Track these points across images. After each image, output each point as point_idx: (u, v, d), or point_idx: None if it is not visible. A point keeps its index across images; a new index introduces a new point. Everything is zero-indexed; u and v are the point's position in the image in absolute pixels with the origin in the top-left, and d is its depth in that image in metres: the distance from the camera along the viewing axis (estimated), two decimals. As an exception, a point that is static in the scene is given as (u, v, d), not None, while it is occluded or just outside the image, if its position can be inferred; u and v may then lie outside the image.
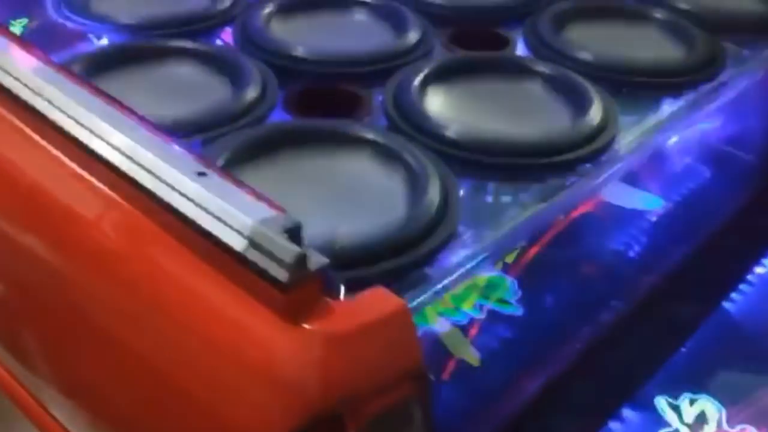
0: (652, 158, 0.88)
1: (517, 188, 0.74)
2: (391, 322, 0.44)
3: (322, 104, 0.82)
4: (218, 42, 0.94)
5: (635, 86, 0.86)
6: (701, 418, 0.85)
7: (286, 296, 0.42)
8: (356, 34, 0.92)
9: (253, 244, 0.43)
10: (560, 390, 0.85)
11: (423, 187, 0.63)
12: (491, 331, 0.90)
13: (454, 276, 0.60)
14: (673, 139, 0.85)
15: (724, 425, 0.84)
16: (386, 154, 0.68)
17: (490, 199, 0.75)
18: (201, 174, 0.48)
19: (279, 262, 0.42)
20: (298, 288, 0.42)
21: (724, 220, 1.03)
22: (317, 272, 0.43)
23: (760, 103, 0.97)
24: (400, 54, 0.88)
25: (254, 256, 0.43)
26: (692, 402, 0.87)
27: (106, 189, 0.50)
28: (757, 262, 1.02)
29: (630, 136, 0.78)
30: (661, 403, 0.87)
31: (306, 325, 0.43)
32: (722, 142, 1.01)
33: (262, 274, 0.43)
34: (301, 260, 0.42)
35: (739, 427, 0.83)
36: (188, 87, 0.80)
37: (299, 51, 0.85)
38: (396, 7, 0.96)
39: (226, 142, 0.69)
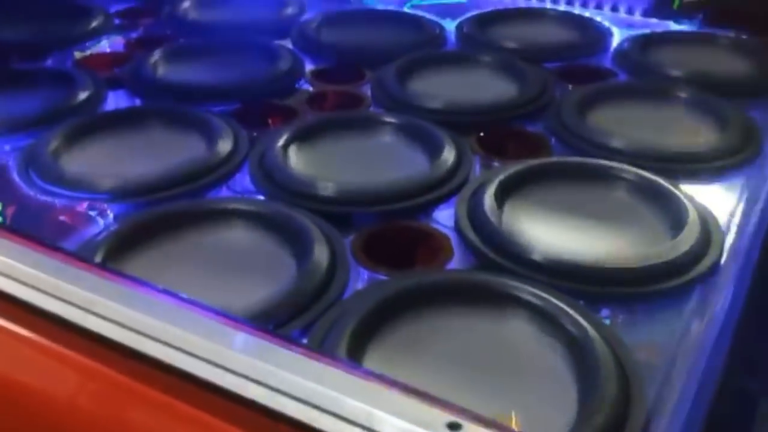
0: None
1: (636, 319, 0.67)
2: None
3: (391, 248, 0.71)
4: (228, 193, 0.82)
5: (692, 173, 0.82)
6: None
7: None
8: (389, 160, 0.83)
9: None
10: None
11: (595, 364, 0.53)
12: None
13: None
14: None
15: None
16: (536, 312, 0.58)
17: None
18: (454, 427, 0.37)
19: None
20: None
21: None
22: None
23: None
24: (447, 175, 0.79)
25: None
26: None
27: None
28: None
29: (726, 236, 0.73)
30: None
31: None
32: None
33: None
34: None
35: None
36: (241, 259, 0.67)
37: (350, 194, 0.74)
38: (417, 123, 0.88)
39: (331, 328, 0.58)
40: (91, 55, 1.16)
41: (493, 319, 0.59)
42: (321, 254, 0.65)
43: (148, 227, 0.69)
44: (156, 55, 1.07)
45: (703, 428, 0.58)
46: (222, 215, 0.71)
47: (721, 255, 0.68)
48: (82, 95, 0.97)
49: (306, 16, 1.27)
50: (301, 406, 0.39)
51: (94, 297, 0.48)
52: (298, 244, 0.67)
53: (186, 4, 1.30)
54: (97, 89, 0.99)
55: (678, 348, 0.59)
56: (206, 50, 1.12)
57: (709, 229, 0.70)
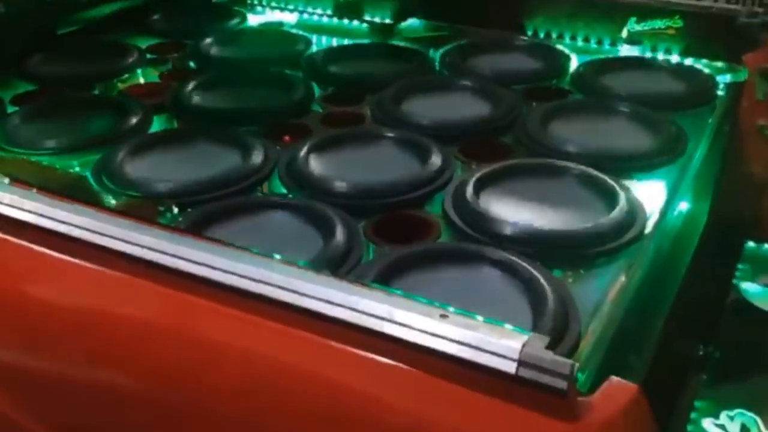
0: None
1: (580, 274, 0.88)
2: (635, 407, 0.56)
3: (394, 230, 0.93)
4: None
5: (639, 168, 1.05)
6: (744, 429, 1.01)
7: (565, 401, 0.53)
8: (389, 165, 1.04)
9: (525, 364, 0.54)
10: None
11: (544, 297, 0.75)
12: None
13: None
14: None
15: (764, 430, 1.00)
16: (502, 266, 0.81)
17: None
18: (443, 316, 0.58)
19: (554, 374, 0.53)
20: (572, 392, 0.53)
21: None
22: (575, 377, 0.54)
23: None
24: (435, 175, 1.01)
25: (528, 374, 0.54)
26: (731, 418, 1.03)
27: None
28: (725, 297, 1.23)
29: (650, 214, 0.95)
30: (709, 425, 1.02)
31: (583, 422, 0.53)
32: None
33: (538, 387, 0.53)
34: (573, 369, 0.53)
35: (776, 429, 1.00)
36: (282, 239, 0.89)
37: (360, 190, 0.96)
38: (410, 136, 1.10)
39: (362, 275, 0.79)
40: (135, 85, 1.38)
41: (471, 273, 0.80)
42: (341, 234, 0.87)
43: (212, 216, 0.90)
44: (190, 86, 1.29)
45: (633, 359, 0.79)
46: (267, 207, 0.93)
47: (643, 228, 0.89)
48: (134, 119, 1.18)
49: (312, 51, 1.49)
50: (352, 312, 0.60)
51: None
52: (324, 228, 0.89)
53: (208, 41, 1.52)
54: (145, 114, 1.20)
55: (607, 292, 0.81)
56: (232, 80, 1.34)
57: (635, 210, 0.91)
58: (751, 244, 1.36)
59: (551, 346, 0.56)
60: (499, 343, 0.55)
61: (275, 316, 0.62)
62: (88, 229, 0.71)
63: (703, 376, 1.09)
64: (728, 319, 1.22)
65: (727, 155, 1.30)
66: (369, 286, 0.63)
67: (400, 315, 0.58)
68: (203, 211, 0.91)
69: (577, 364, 0.54)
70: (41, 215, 0.73)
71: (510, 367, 0.54)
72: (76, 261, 0.72)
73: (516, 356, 0.54)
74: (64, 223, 0.71)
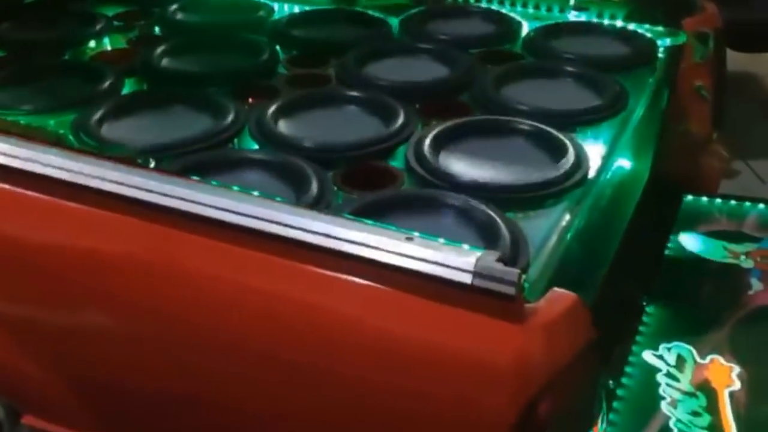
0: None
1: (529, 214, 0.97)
2: (574, 312, 0.65)
3: (361, 180, 1.00)
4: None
5: (583, 123, 1.13)
6: (680, 359, 1.12)
7: (514, 305, 0.61)
8: (355, 121, 1.12)
9: (479, 275, 0.62)
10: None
11: (495, 232, 0.83)
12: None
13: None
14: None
15: (698, 359, 1.11)
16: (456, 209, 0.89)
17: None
18: (409, 239, 0.66)
19: (503, 282, 0.61)
20: (519, 298, 0.62)
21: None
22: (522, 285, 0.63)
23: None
24: (398, 131, 1.08)
25: (481, 283, 0.62)
26: (669, 349, 1.14)
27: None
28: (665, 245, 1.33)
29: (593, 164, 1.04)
30: (648, 356, 1.13)
31: (529, 324, 0.62)
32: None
33: (490, 295, 0.62)
34: (520, 277, 0.61)
35: (708, 358, 1.11)
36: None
37: (329, 144, 1.04)
38: (374, 95, 1.17)
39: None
40: (103, 51, 1.42)
41: (432, 215, 0.88)
42: (312, 182, 0.94)
43: (189, 168, 0.96)
44: (159, 50, 1.33)
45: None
46: (241, 159, 1.00)
47: (587, 174, 0.98)
48: (107, 82, 1.23)
49: (276, 16, 1.54)
50: (328, 239, 0.67)
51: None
52: (297, 177, 0.96)
53: (174, 7, 1.56)
54: (117, 77, 1.25)
55: (553, 229, 0.90)
56: (199, 46, 1.38)
57: (580, 159, 1.00)
58: (689, 197, 1.50)
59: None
60: (458, 259, 0.63)
61: (260, 246, 0.70)
62: (79, 173, 0.77)
63: (644, 319, 1.20)
64: (667, 265, 1.34)
65: (666, 114, 1.40)
66: (343, 216, 0.70)
67: (370, 239, 0.66)
68: (180, 164, 0.97)
69: (524, 275, 0.63)
70: (34, 161, 0.79)
71: (466, 278, 0.62)
72: (67, 203, 0.78)
73: (471, 268, 0.62)
74: (57, 168, 0.77)
